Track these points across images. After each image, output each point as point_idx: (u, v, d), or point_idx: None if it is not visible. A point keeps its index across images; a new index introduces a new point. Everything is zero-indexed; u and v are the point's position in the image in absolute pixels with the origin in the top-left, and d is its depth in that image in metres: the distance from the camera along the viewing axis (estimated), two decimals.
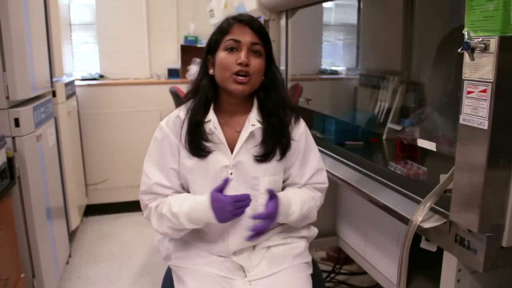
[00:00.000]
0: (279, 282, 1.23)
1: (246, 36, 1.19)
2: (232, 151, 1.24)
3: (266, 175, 1.25)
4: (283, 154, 1.26)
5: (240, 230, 1.26)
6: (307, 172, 1.31)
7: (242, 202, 1.16)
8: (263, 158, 1.24)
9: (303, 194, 1.29)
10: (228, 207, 1.15)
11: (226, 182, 1.19)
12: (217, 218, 1.17)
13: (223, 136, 1.24)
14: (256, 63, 1.20)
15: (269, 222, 1.22)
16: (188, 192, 1.28)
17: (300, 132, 1.30)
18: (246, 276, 1.26)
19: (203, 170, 1.24)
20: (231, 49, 1.20)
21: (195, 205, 1.20)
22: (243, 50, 1.19)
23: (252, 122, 1.24)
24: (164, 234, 1.29)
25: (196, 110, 1.25)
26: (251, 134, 1.24)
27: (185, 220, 1.20)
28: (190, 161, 1.24)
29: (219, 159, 1.23)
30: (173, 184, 1.27)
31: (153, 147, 1.30)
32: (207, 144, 1.23)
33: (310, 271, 1.32)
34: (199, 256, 1.28)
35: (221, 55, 1.20)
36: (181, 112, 1.28)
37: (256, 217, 1.20)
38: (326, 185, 1.36)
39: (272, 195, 1.20)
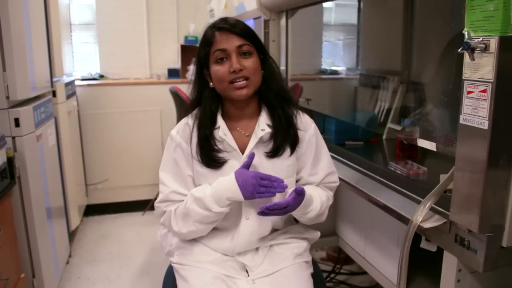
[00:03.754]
0: (282, 280, 1.23)
1: (230, 42, 1.19)
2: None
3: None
4: (293, 148, 1.27)
5: (251, 232, 1.26)
6: (320, 173, 1.31)
7: (267, 181, 1.14)
8: (274, 153, 1.25)
9: (322, 193, 1.29)
10: (252, 180, 1.14)
11: (252, 157, 1.18)
12: (242, 191, 1.15)
13: (234, 142, 1.25)
14: (250, 63, 1.20)
15: (283, 212, 1.17)
16: None
17: (310, 132, 1.30)
18: (248, 275, 1.26)
19: (217, 177, 1.23)
20: (221, 59, 1.20)
21: (220, 184, 1.19)
22: (232, 56, 1.19)
23: (262, 127, 1.25)
24: (188, 233, 1.26)
25: (204, 124, 1.25)
26: (261, 139, 1.25)
27: (212, 201, 1.18)
28: (204, 169, 1.25)
29: (233, 164, 1.24)
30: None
31: (167, 156, 1.30)
32: (220, 155, 1.24)
33: (311, 270, 1.32)
34: (203, 254, 1.28)
35: (214, 68, 1.21)
36: (190, 120, 1.29)
37: (271, 206, 1.14)
38: (338, 183, 1.38)
39: (300, 193, 1.15)
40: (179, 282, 1.26)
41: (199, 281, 1.21)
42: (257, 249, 1.31)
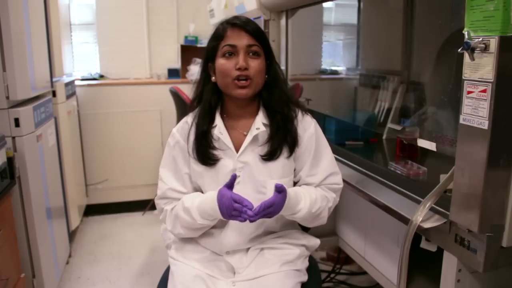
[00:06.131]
0: (262, 286, 1.21)
1: (241, 40, 1.19)
2: None
3: (274, 178, 1.24)
4: (291, 150, 1.26)
5: (238, 232, 1.26)
6: (320, 173, 1.29)
7: (239, 205, 1.11)
8: (269, 156, 1.24)
9: (315, 193, 1.26)
10: (226, 202, 1.13)
11: (234, 178, 1.16)
12: (221, 211, 1.15)
13: (230, 141, 1.25)
14: (256, 64, 1.20)
15: (271, 211, 1.14)
16: None
17: (310, 131, 1.28)
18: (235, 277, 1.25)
19: (212, 175, 1.25)
20: (229, 54, 1.20)
21: (205, 199, 1.20)
22: (240, 54, 1.19)
23: (257, 125, 1.25)
24: (178, 235, 1.30)
25: (202, 119, 1.26)
26: (255, 137, 1.25)
27: (197, 214, 1.20)
28: (200, 167, 1.26)
29: (227, 163, 1.24)
30: (188, 189, 1.29)
31: (166, 153, 1.32)
32: (214, 152, 1.24)
33: (301, 279, 1.28)
34: (193, 251, 1.29)
35: (220, 61, 1.21)
36: (189, 118, 1.30)
37: (259, 210, 1.12)
38: (341, 185, 1.34)
39: (280, 190, 1.13)
40: (169, 274, 1.29)
41: (182, 277, 1.22)
42: (247, 250, 1.29)
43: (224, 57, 1.20)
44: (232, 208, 1.12)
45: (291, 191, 1.19)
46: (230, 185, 1.16)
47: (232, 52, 1.20)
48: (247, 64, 1.19)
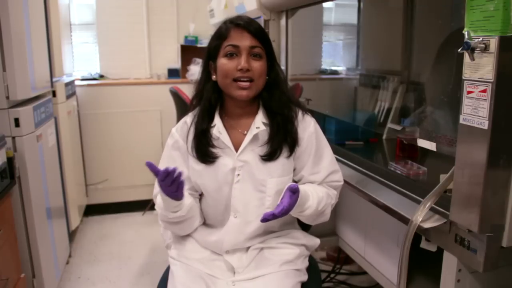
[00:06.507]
0: (262, 286, 1.21)
1: (244, 41, 1.19)
2: None
3: (273, 177, 1.24)
4: (291, 150, 1.26)
5: (237, 231, 1.26)
6: (322, 172, 1.29)
7: (164, 180, 1.09)
8: (269, 157, 1.24)
9: (321, 190, 1.27)
10: (162, 187, 1.12)
11: (149, 165, 1.07)
12: (171, 197, 1.15)
13: (229, 140, 1.25)
14: (258, 66, 1.20)
15: (285, 213, 1.13)
16: (201, 195, 1.32)
17: (310, 130, 1.28)
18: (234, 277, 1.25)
19: (211, 174, 1.25)
20: (230, 55, 1.20)
21: (161, 196, 1.20)
22: (243, 55, 1.19)
23: (257, 125, 1.25)
24: (166, 228, 1.33)
25: (201, 118, 1.26)
26: (256, 136, 1.25)
27: (165, 210, 1.22)
28: (199, 166, 1.26)
29: (226, 162, 1.24)
30: None
31: (165, 153, 1.33)
32: (213, 150, 1.25)
33: (301, 278, 1.28)
34: (193, 251, 1.30)
35: (222, 61, 1.21)
36: (188, 118, 1.31)
37: (271, 214, 1.10)
38: (342, 182, 1.35)
39: (295, 191, 1.12)
40: (169, 274, 1.29)
41: (182, 278, 1.22)
42: (247, 250, 1.29)
43: (226, 57, 1.20)
44: (168, 186, 1.10)
45: (301, 189, 1.18)
46: (156, 172, 1.09)
47: (234, 53, 1.19)
48: (250, 65, 1.18)
